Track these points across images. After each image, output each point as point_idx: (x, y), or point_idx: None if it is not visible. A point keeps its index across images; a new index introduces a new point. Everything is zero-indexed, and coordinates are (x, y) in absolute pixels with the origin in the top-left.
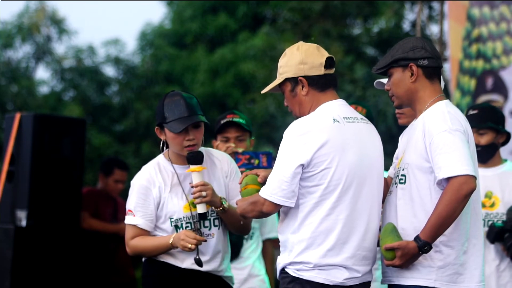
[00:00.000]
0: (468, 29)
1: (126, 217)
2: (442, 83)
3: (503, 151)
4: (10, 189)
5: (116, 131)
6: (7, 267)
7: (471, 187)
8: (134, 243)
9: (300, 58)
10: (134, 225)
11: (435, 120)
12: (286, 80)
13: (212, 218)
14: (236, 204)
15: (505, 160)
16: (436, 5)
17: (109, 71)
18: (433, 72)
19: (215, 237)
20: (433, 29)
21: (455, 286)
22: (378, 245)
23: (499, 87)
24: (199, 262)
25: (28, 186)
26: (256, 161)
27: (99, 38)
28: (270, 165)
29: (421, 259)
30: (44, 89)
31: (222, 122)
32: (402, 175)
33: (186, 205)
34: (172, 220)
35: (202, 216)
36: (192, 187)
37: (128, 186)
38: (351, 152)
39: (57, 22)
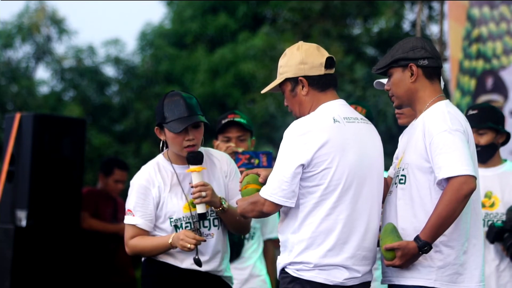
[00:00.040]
0: (468, 29)
1: (126, 217)
2: (442, 83)
3: (503, 151)
4: (10, 189)
5: (116, 131)
6: (7, 267)
7: (471, 187)
8: (133, 243)
9: (300, 58)
10: (134, 225)
11: (435, 120)
12: (286, 80)
13: (211, 218)
14: (236, 204)
15: (505, 160)
16: (436, 5)
17: (109, 71)
18: (433, 72)
19: (215, 237)
20: (433, 29)
21: (455, 286)
22: (378, 245)
23: (499, 87)
24: (198, 262)
25: (28, 186)
26: (256, 161)
27: (99, 38)
28: (270, 165)
29: (421, 259)
30: (44, 89)
31: (223, 122)
32: (402, 175)
33: (186, 205)
34: (171, 220)
35: (202, 216)
36: (192, 187)
37: (128, 186)
38: (351, 152)
39: (57, 22)
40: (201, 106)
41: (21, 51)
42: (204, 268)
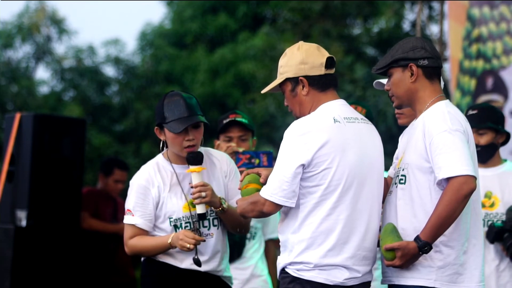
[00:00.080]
0: (468, 29)
1: (125, 216)
2: (442, 83)
3: (503, 151)
4: (10, 189)
5: (116, 131)
6: (7, 267)
7: (471, 187)
8: (132, 243)
9: (301, 58)
10: (133, 225)
11: (435, 120)
12: (287, 80)
13: (211, 218)
14: (236, 204)
15: (505, 160)
16: (436, 5)
17: (109, 71)
18: (433, 72)
19: (214, 237)
20: (433, 29)
21: (455, 286)
22: (378, 245)
23: (499, 87)
24: (197, 262)
25: (28, 186)
26: (257, 161)
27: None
28: (270, 165)
29: (421, 259)
30: (44, 89)
31: (224, 122)
32: (402, 175)
33: (185, 204)
34: (171, 220)
35: (202, 217)
36: (192, 187)
37: (128, 186)
38: (351, 152)
39: (57, 22)
40: (201, 106)
41: (21, 51)
42: (203, 268)
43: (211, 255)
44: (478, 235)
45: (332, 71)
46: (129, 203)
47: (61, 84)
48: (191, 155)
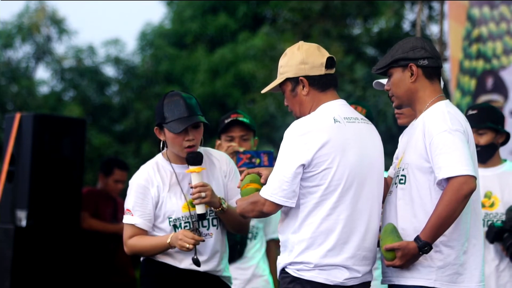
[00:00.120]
0: (468, 29)
1: (124, 216)
2: (442, 83)
3: (503, 151)
4: (10, 189)
5: (116, 131)
6: (7, 267)
7: (471, 187)
8: (131, 243)
9: (301, 58)
10: (132, 225)
11: (435, 120)
12: (287, 80)
13: (210, 218)
14: (236, 204)
15: (505, 160)
16: (436, 5)
17: (109, 71)
18: (433, 72)
19: (214, 237)
20: (433, 29)
21: (455, 286)
22: (378, 245)
23: (499, 87)
24: (196, 262)
25: (28, 186)
26: (258, 160)
27: (99, 38)
28: (271, 164)
29: (421, 259)
30: (44, 89)
31: (226, 121)
32: (402, 175)
33: (185, 204)
34: (170, 219)
35: (201, 217)
36: (191, 187)
37: (128, 186)
38: (351, 152)
39: (57, 22)
40: (201, 106)
41: (21, 51)
42: (202, 268)
43: (210, 255)
44: (478, 235)
45: (332, 71)
46: (128, 203)
47: (61, 84)
48: (190, 155)
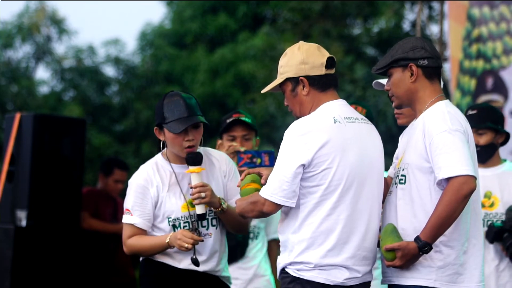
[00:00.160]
0: (468, 29)
1: (124, 216)
2: (441, 83)
3: (503, 151)
4: (10, 189)
5: (116, 131)
6: (7, 267)
7: (471, 187)
8: (131, 242)
9: (301, 58)
10: (132, 224)
11: (435, 120)
12: (287, 80)
13: (210, 218)
14: (236, 204)
15: (504, 160)
16: (436, 5)
17: (109, 71)
18: (433, 72)
19: (213, 237)
20: (433, 29)
21: (455, 286)
22: (378, 245)
23: (499, 87)
24: (195, 262)
25: (28, 186)
26: (258, 160)
27: (99, 38)
28: (272, 164)
29: (421, 259)
30: (44, 89)
31: (228, 121)
32: (402, 175)
33: (184, 204)
34: (170, 219)
35: (201, 217)
36: (191, 188)
37: (128, 186)
38: (351, 152)
39: (57, 22)
40: (201, 106)
41: (21, 51)
42: (201, 268)
43: (209, 255)
44: (478, 235)
45: (333, 71)
46: (127, 203)
47: (61, 84)
48: (190, 155)
